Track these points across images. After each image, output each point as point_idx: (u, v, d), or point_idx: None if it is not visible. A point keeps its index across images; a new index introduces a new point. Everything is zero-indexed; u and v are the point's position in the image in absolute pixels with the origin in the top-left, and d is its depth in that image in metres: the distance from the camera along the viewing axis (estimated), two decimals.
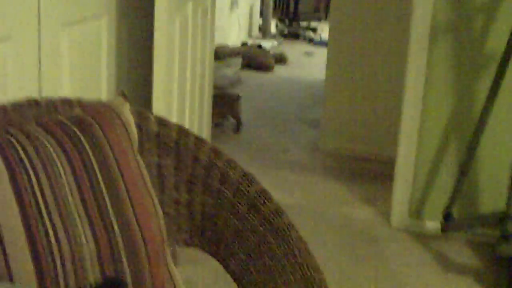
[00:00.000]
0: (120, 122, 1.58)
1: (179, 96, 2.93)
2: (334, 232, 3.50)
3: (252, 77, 7.48)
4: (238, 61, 7.91)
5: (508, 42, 2.95)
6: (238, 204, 1.68)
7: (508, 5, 3.14)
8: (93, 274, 1.42)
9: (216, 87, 6.70)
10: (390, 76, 4.50)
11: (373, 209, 3.80)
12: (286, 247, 1.61)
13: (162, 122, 1.75)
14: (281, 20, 11.12)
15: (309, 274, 1.56)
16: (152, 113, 1.78)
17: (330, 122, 4.77)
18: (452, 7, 3.24)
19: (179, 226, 1.75)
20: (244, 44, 8.87)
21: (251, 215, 1.67)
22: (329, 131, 4.79)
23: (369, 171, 4.36)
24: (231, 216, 1.68)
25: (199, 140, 1.75)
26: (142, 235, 1.50)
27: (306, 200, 3.91)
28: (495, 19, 3.20)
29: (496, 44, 3.20)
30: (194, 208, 1.73)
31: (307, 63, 8.63)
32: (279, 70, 7.96)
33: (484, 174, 3.38)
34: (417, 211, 3.55)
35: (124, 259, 1.46)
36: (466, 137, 3.31)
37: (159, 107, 2.70)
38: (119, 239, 1.46)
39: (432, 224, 3.46)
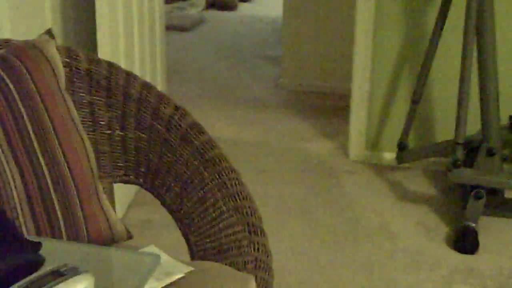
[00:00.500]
0: (44, 59, 1.57)
1: (127, 36, 2.89)
2: (293, 167, 3.52)
3: (216, 16, 7.41)
4: (202, 0, 7.83)
5: None
6: (171, 138, 1.68)
7: None
8: (22, 213, 1.42)
9: (178, 28, 6.67)
10: (348, 11, 4.47)
11: (331, 143, 3.82)
12: (217, 178, 1.62)
13: (92, 59, 1.74)
14: None
15: (240, 203, 1.58)
16: (83, 51, 1.76)
17: (290, 59, 4.76)
18: None
19: (115, 163, 1.75)
20: None
21: (183, 148, 1.67)
22: (289, 68, 4.78)
23: (329, 106, 4.37)
24: (164, 150, 1.69)
25: (130, 76, 1.74)
26: (70, 172, 1.50)
27: (266, 136, 3.92)
28: None
29: None
30: (128, 144, 1.73)
31: (273, 0, 8.54)
32: (244, 9, 7.90)
33: (436, 103, 3.40)
34: (373, 143, 3.57)
35: (53, 196, 1.46)
36: (418, 67, 3.31)
37: (104, 49, 2.67)
38: (47, 177, 1.46)
39: (389, 155, 3.48)
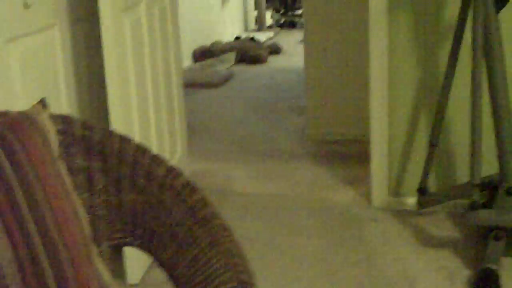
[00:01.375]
0: (36, 129, 1.61)
1: (140, 105, 2.94)
2: (315, 217, 3.52)
3: (245, 70, 7.50)
4: (232, 56, 7.93)
5: (460, 9, 2.96)
6: (164, 199, 1.70)
7: None
8: (13, 283, 1.45)
9: (208, 85, 6.76)
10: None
11: (355, 190, 3.82)
12: (210, 236, 1.64)
13: (86, 125, 1.78)
14: (276, 10, 11.12)
15: (232, 260, 1.59)
16: (78, 118, 1.81)
17: (315, 108, 4.79)
18: None
19: (112, 226, 1.78)
20: (237, 38, 8.89)
21: (177, 208, 1.69)
22: (314, 118, 4.80)
23: (354, 154, 4.38)
24: (159, 211, 1.71)
25: (124, 139, 1.78)
26: (62, 239, 1.53)
27: (289, 187, 3.93)
28: None
29: (452, 10, 3.19)
30: (124, 207, 1.76)
31: (302, 51, 8.61)
32: (273, 61, 7.98)
33: (456, 145, 3.38)
34: (396, 189, 3.56)
35: (45, 264, 1.49)
36: (434, 110, 3.31)
37: (117, 120, 2.71)
38: (38, 245, 1.49)
39: (412, 200, 3.46)
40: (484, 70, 2.86)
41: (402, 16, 3.30)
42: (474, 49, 2.79)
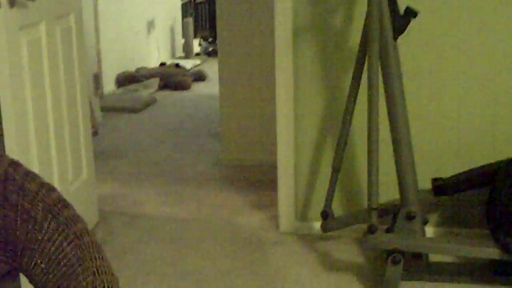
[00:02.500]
0: None
1: (39, 127, 2.88)
2: (221, 241, 3.49)
3: (168, 96, 7.47)
4: (155, 82, 7.89)
5: (362, 36, 3.00)
6: (36, 215, 1.66)
7: (363, 2, 3.18)
8: None
9: (129, 110, 6.71)
10: None
11: (263, 215, 3.82)
12: (79, 253, 1.60)
13: None
14: (204, 38, 11.14)
15: (99, 277, 1.55)
16: None
17: (229, 135, 4.79)
18: (310, 6, 3.28)
19: None
20: (162, 64, 8.86)
21: (48, 223, 1.65)
22: (228, 144, 4.80)
23: (266, 179, 4.37)
24: (30, 227, 1.67)
25: None
26: None
27: (198, 211, 3.91)
28: (352, 14, 3.25)
29: (356, 38, 3.23)
30: None
31: None
32: (197, 88, 7.97)
33: (360, 170, 3.41)
34: (303, 213, 3.56)
35: None
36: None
37: (12, 141, 2.65)
38: None
39: (319, 225, 3.46)
40: (383, 96, 2.90)
41: (306, 45, 3.33)
42: (369, 73, 2.83)
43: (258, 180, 4.40)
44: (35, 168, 2.80)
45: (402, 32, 2.88)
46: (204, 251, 3.37)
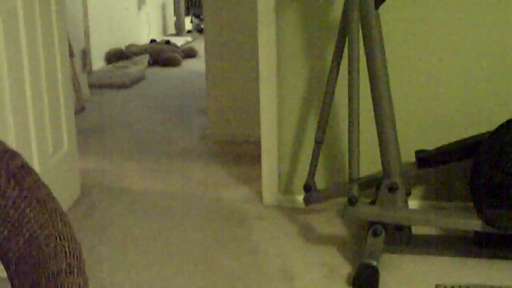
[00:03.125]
0: None
1: (16, 100, 2.84)
2: (205, 215, 3.47)
3: (158, 73, 7.44)
4: (145, 58, 7.85)
5: (344, 7, 2.95)
6: None
7: None
8: None
9: (117, 86, 6.67)
10: None
11: (248, 189, 3.79)
12: (42, 219, 1.57)
13: None
14: (195, 15, 11.08)
15: (60, 243, 1.52)
16: None
17: (215, 110, 4.77)
18: None
19: None
20: (153, 41, 8.81)
21: (11, 190, 1.62)
22: (215, 119, 4.78)
23: (251, 154, 4.35)
24: None
25: None
26: None
27: (182, 185, 3.88)
28: None
29: (338, 11, 3.19)
30: None
31: None
32: (188, 64, 7.94)
33: (343, 142, 3.38)
34: (286, 187, 3.54)
35: None
36: None
37: None
38: None
39: (302, 198, 3.44)
40: (365, 66, 2.86)
41: (289, 16, 3.29)
42: (350, 42, 2.79)
43: (244, 155, 4.38)
44: (11, 139, 2.77)
45: (383, 1, 2.84)
46: (187, 225, 3.34)
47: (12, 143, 2.75)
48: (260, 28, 3.34)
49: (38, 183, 1.61)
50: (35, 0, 3.07)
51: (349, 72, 2.79)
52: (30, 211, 1.57)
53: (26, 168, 1.64)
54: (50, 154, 3.26)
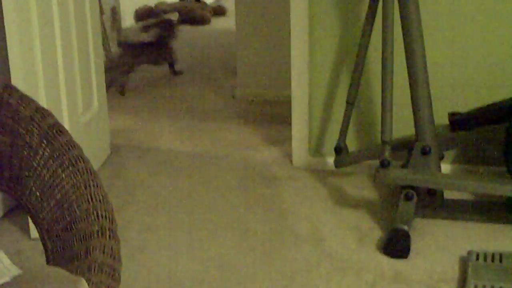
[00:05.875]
0: None
1: (47, 57, 2.81)
2: (234, 175, 3.45)
3: (187, 31, 7.37)
4: (174, 16, 7.78)
5: None
6: (31, 140, 1.61)
7: None
8: None
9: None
10: None
11: (278, 150, 3.76)
12: (74, 179, 1.55)
13: None
14: None
15: (93, 204, 1.51)
16: None
17: (245, 70, 4.74)
18: None
19: None
20: None
21: (43, 150, 1.61)
22: (244, 79, 4.75)
23: (281, 115, 4.31)
24: (25, 153, 1.62)
25: None
26: None
27: (212, 146, 3.86)
28: None
29: None
30: None
31: None
32: (217, 22, 7.87)
33: (375, 104, 3.33)
34: (316, 149, 3.50)
35: None
36: None
37: (18, 71, 2.59)
38: None
39: (332, 160, 3.40)
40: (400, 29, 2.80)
41: None
42: (384, 3, 2.72)
43: (274, 116, 4.34)
44: (42, 98, 2.75)
45: None
46: (216, 185, 3.33)
47: (42, 101, 2.73)
48: None
49: (70, 143, 1.59)
50: None
51: (383, 33, 2.73)
52: (62, 172, 1.56)
53: (58, 127, 1.62)
54: (80, 113, 3.24)
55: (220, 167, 3.55)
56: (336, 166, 3.24)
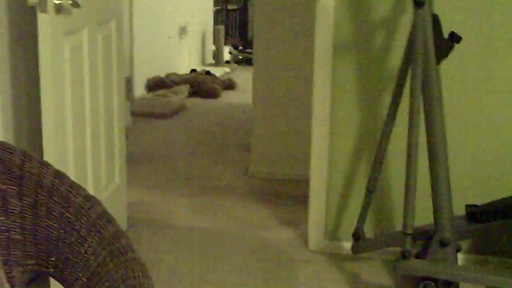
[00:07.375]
0: None
1: (77, 131, 2.88)
2: (250, 256, 3.48)
3: (198, 103, 7.48)
4: (185, 88, 7.90)
5: (403, 58, 2.97)
6: (80, 228, 1.66)
7: (405, 20, 3.16)
8: None
9: (159, 115, 6.72)
10: None
11: (292, 231, 3.79)
12: (123, 269, 1.59)
13: (6, 148, 1.73)
14: (234, 46, 11.15)
15: None
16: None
17: (260, 146, 4.77)
18: (352, 23, 3.26)
19: (26, 251, 1.72)
20: (193, 71, 8.87)
21: (92, 237, 1.65)
22: (259, 155, 4.78)
23: (296, 194, 4.36)
24: (74, 240, 1.66)
25: (43, 165, 1.73)
26: None
27: (226, 224, 3.89)
28: (394, 34, 3.22)
29: (396, 59, 3.21)
30: (39, 233, 1.71)
31: None
32: (227, 96, 7.97)
33: (394, 192, 3.38)
34: (333, 232, 3.54)
35: None
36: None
37: (50, 146, 2.65)
38: None
39: (348, 245, 3.44)
40: (423, 121, 2.87)
41: (346, 61, 3.31)
42: (412, 97, 2.80)
43: (288, 195, 4.39)
44: (70, 171, 2.80)
45: (445, 57, 2.86)
46: (231, 265, 3.36)
47: (71, 175, 2.77)
48: (316, 71, 3.35)
49: (118, 233, 1.63)
50: (98, 35, 3.13)
51: (410, 125, 2.80)
52: (110, 261, 1.60)
53: (107, 217, 1.67)
54: (103, 187, 3.29)
55: (235, 246, 3.59)
56: (353, 253, 3.28)
